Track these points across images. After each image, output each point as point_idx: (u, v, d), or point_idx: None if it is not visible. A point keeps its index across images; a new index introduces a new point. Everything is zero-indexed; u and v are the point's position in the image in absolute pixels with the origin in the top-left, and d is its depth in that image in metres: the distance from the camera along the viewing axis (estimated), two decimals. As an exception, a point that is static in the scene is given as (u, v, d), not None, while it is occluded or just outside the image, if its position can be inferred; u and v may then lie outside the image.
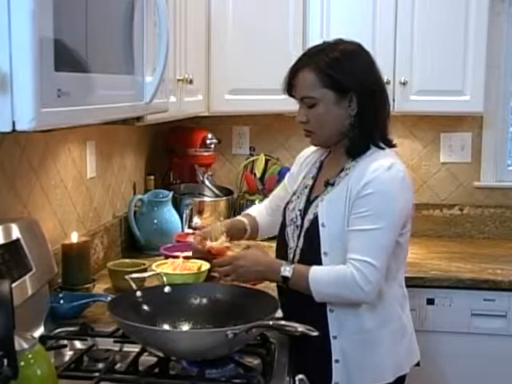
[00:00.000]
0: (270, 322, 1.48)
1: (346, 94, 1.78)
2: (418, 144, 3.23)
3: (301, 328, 1.45)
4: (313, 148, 2.01)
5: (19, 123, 1.03)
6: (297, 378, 1.62)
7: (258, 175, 3.19)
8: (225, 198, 3.06)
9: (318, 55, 1.80)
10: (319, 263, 1.78)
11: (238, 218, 2.16)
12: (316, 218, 1.81)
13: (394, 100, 2.85)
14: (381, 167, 1.75)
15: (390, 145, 1.87)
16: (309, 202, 1.88)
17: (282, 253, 1.92)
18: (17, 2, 0.99)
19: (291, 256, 1.88)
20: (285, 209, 1.96)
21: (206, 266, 2.16)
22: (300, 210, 1.89)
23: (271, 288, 2.06)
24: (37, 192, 1.99)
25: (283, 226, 1.95)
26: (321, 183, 1.90)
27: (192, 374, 1.49)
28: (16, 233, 1.67)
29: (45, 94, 1.04)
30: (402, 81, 2.83)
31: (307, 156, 2.03)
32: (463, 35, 2.80)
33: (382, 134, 1.85)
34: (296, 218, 1.89)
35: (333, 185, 1.84)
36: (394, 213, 1.75)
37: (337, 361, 1.80)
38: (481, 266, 2.70)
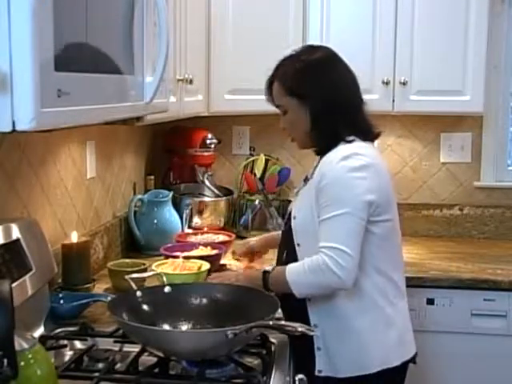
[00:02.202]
0: (270, 322, 1.48)
1: (304, 100, 1.90)
2: (418, 144, 3.23)
3: (301, 328, 1.45)
4: None
5: (19, 123, 1.03)
6: (297, 378, 1.62)
7: (258, 175, 3.19)
8: (225, 198, 3.06)
9: (284, 66, 1.95)
10: (295, 254, 1.88)
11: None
12: (291, 211, 1.95)
13: (393, 100, 2.85)
14: (336, 157, 1.83)
15: (369, 137, 1.94)
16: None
17: (283, 249, 2.01)
18: (17, 2, 0.99)
19: (285, 253, 1.98)
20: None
21: (205, 266, 2.17)
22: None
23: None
24: (37, 192, 1.99)
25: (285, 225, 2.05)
26: None
27: (192, 374, 1.49)
28: (16, 233, 1.67)
29: (45, 94, 1.04)
30: (402, 81, 2.83)
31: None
32: (463, 35, 2.80)
33: (355, 130, 1.91)
34: (290, 214, 1.99)
35: (309, 180, 1.95)
36: (354, 198, 1.78)
37: (319, 348, 1.86)
38: (481, 266, 2.70)
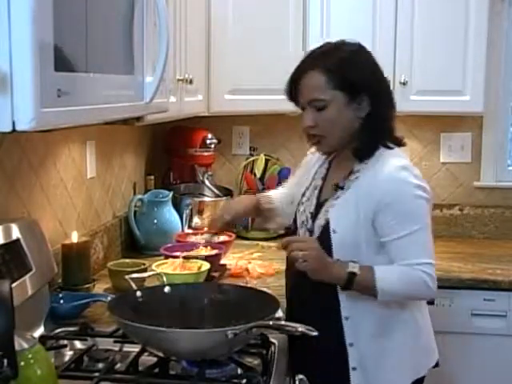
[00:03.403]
0: (270, 322, 1.48)
1: (356, 95, 1.74)
2: (418, 144, 3.23)
3: (301, 328, 1.45)
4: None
5: (19, 123, 1.03)
6: (297, 378, 1.62)
7: (258, 175, 3.19)
8: (225, 198, 3.06)
9: (325, 56, 1.76)
10: None
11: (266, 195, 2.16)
12: (327, 223, 1.77)
13: (393, 100, 2.85)
14: (394, 170, 1.73)
15: (400, 144, 1.83)
16: (319, 205, 1.84)
17: None
18: (17, 2, 0.99)
19: None
20: (296, 211, 1.93)
21: (206, 266, 2.17)
22: (311, 213, 1.85)
23: (271, 288, 2.06)
24: (37, 192, 1.99)
25: (295, 228, 1.91)
26: (329, 185, 1.85)
27: (192, 374, 1.49)
28: (16, 233, 1.67)
29: (45, 94, 1.04)
30: (402, 81, 2.83)
31: (317, 159, 1.97)
32: (463, 35, 2.80)
33: (390, 134, 1.82)
34: (307, 220, 1.85)
35: (342, 188, 1.80)
36: (424, 210, 1.74)
37: (354, 368, 1.77)
38: (481, 266, 2.70)
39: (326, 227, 1.77)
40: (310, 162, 2.00)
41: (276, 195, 2.14)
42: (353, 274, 1.69)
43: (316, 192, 1.88)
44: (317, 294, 1.79)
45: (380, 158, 1.77)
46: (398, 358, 1.80)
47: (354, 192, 1.76)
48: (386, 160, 1.76)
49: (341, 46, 1.79)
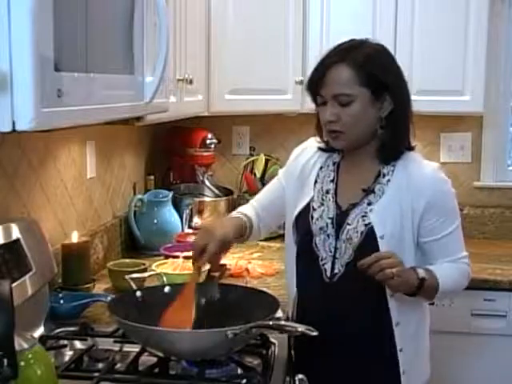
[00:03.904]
0: (270, 322, 1.48)
1: (381, 93, 1.71)
2: (418, 144, 3.22)
3: (301, 328, 1.45)
4: (313, 147, 1.89)
5: (19, 123, 1.03)
6: (297, 378, 1.61)
7: (258, 175, 3.19)
8: (225, 198, 3.06)
9: (353, 51, 1.71)
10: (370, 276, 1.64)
11: (240, 217, 1.88)
12: (371, 229, 1.71)
13: (394, 100, 2.85)
14: (433, 171, 1.79)
15: (412, 146, 1.84)
16: (340, 210, 1.77)
17: (311, 264, 1.79)
18: (17, 2, 0.99)
19: (327, 267, 1.76)
20: (307, 217, 1.80)
21: (206, 265, 2.16)
22: (331, 218, 1.77)
23: (271, 288, 2.06)
24: (37, 192, 1.99)
25: (308, 235, 1.80)
26: (347, 188, 1.80)
27: (192, 373, 1.49)
28: (16, 233, 1.67)
29: (45, 94, 1.04)
30: (402, 81, 2.83)
31: (311, 156, 1.90)
32: (463, 35, 2.80)
33: (409, 135, 1.81)
34: (327, 226, 1.76)
35: (373, 192, 1.75)
36: (457, 206, 1.82)
37: (404, 372, 1.78)
38: (481, 266, 2.70)
39: (369, 234, 1.72)
40: (306, 167, 1.90)
41: (252, 211, 1.94)
42: (423, 280, 1.68)
43: (330, 196, 1.80)
44: (365, 304, 1.76)
45: (407, 159, 1.79)
46: (426, 359, 1.90)
47: (393, 195, 1.74)
48: (418, 161, 1.81)
49: (366, 43, 1.77)
